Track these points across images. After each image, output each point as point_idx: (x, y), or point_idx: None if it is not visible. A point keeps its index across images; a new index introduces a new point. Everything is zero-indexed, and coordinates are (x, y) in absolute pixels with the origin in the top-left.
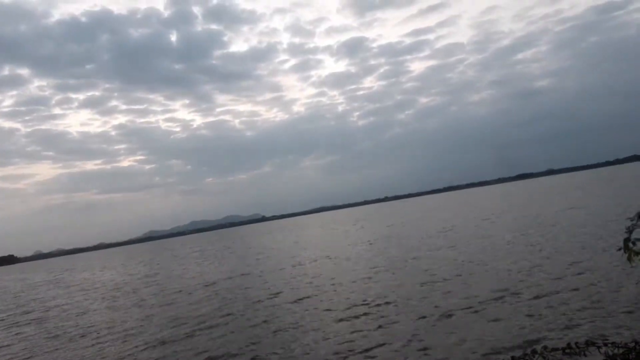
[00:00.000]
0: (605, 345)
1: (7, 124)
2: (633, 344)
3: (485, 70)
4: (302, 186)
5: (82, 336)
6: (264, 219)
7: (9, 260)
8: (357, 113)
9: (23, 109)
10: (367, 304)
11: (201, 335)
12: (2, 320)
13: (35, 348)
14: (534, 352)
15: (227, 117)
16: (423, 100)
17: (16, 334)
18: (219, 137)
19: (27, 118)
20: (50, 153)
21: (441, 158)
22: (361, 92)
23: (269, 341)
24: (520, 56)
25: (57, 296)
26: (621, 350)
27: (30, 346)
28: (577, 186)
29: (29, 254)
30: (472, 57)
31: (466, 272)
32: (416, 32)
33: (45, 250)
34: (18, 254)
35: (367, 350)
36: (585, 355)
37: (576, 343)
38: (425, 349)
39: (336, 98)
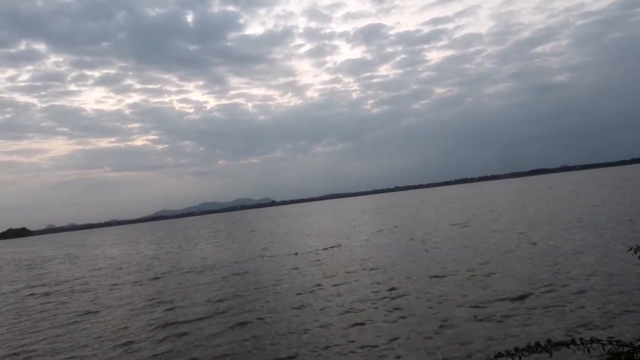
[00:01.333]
0: (610, 343)
1: (23, 99)
2: (638, 343)
3: (503, 63)
4: (313, 172)
5: (89, 312)
6: (273, 203)
7: (22, 233)
8: (372, 101)
9: (39, 84)
10: (377, 294)
11: (210, 318)
12: (13, 293)
13: (41, 322)
14: (538, 345)
15: (240, 101)
16: (439, 90)
17: (26, 307)
18: (232, 120)
19: (42, 93)
20: (65, 129)
21: (454, 150)
22: (376, 80)
23: (275, 328)
24: (539, 49)
25: (67, 271)
26: (626, 349)
27: (37, 320)
28: (594, 183)
29: (41, 227)
30: (490, 48)
31: (478, 266)
32: (434, 21)
33: (58, 225)
34: (31, 227)
35: (374, 344)
36: (589, 351)
37: (581, 339)
38: (431, 343)
39: (351, 85)
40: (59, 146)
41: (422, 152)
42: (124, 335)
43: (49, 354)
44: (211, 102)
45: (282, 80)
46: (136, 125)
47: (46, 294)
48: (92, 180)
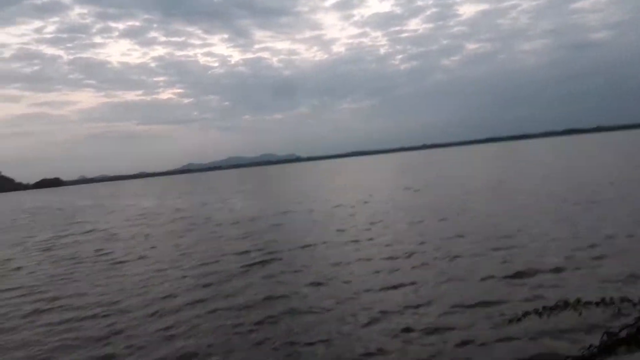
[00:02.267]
0: None
1: (50, 51)
2: None
3: (539, 18)
4: (338, 129)
5: (121, 262)
6: (298, 159)
7: (55, 183)
8: (400, 56)
9: (65, 36)
10: (407, 254)
11: (241, 276)
12: (45, 241)
13: (75, 273)
14: (567, 303)
15: (265, 55)
16: (470, 46)
17: (60, 255)
18: (257, 74)
19: (69, 45)
20: (92, 82)
21: (484, 108)
22: (405, 35)
23: (304, 285)
24: (578, 5)
25: (99, 220)
26: None
27: (70, 268)
28: (631, 145)
29: (74, 178)
30: (526, 3)
31: (511, 227)
32: None
33: (89, 176)
34: (64, 177)
35: (399, 307)
36: (619, 311)
37: (611, 298)
38: (456, 300)
39: (378, 40)
40: (87, 98)
41: (451, 110)
42: (155, 284)
43: (81, 304)
44: (235, 56)
45: (307, 34)
46: (161, 78)
47: (77, 242)
48: (121, 133)
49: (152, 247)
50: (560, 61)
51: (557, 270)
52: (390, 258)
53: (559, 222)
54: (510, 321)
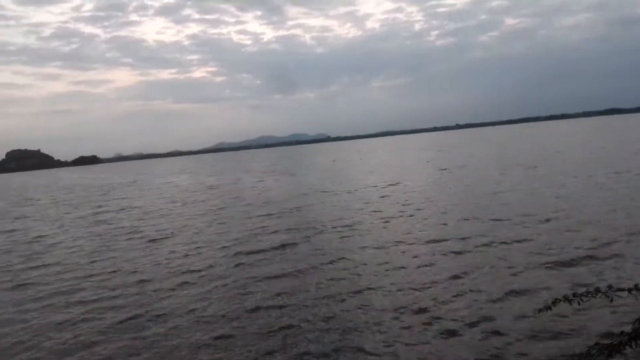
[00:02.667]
0: None
1: (88, 29)
2: None
3: None
4: (370, 108)
5: (153, 240)
6: (329, 139)
7: (93, 160)
8: (436, 32)
9: (102, 14)
10: (440, 233)
11: (271, 255)
12: (82, 218)
13: (111, 246)
14: (597, 290)
15: (298, 32)
16: (510, 21)
17: (97, 232)
18: (289, 52)
19: (105, 24)
20: (129, 60)
21: (522, 87)
22: (442, 10)
23: (331, 267)
24: None
25: (136, 197)
26: None
27: (107, 246)
28: None
29: (110, 155)
30: None
31: (550, 211)
32: None
33: (125, 154)
34: (101, 155)
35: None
36: None
37: None
38: (487, 286)
39: (414, 15)
40: (124, 77)
41: (487, 88)
42: (187, 264)
43: (116, 279)
44: (268, 33)
45: (341, 9)
46: (195, 57)
47: (113, 219)
48: (156, 112)
49: (185, 226)
50: (604, 37)
51: (593, 257)
52: (428, 242)
53: (603, 206)
54: (540, 310)
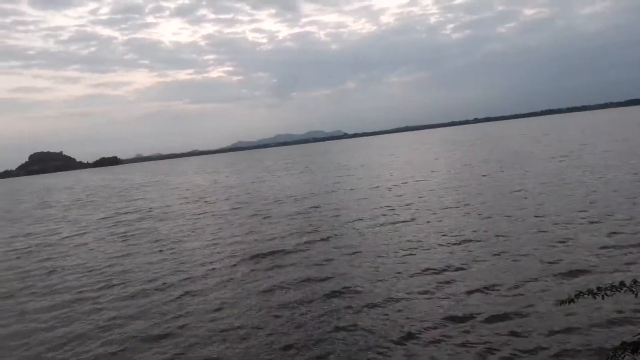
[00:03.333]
0: None
1: (106, 32)
2: None
3: None
4: (386, 104)
5: (176, 242)
6: (345, 135)
7: (113, 161)
8: (451, 25)
9: (119, 16)
10: (460, 239)
11: (292, 254)
12: (104, 219)
13: (129, 248)
14: (622, 284)
15: (312, 29)
16: (527, 12)
17: (117, 233)
18: (304, 50)
19: (123, 26)
20: (146, 62)
21: (540, 79)
22: (457, 2)
23: (351, 265)
24: None
25: (157, 198)
26: None
27: (128, 246)
28: None
29: (131, 156)
30: None
31: (586, 206)
32: None
33: (145, 154)
34: (121, 156)
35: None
36: None
37: None
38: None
39: (429, 8)
40: (142, 78)
41: (505, 81)
42: (209, 263)
43: (137, 283)
44: (283, 31)
45: (355, 4)
46: (211, 56)
47: (135, 220)
48: (173, 112)
49: (207, 225)
50: (623, 26)
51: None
52: (456, 238)
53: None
54: (563, 302)
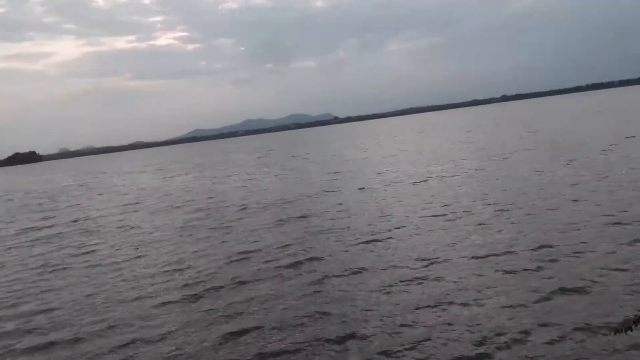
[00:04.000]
0: None
1: None
2: None
3: None
4: (387, 79)
5: (113, 268)
6: (336, 120)
7: (31, 158)
8: None
9: None
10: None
11: (265, 282)
12: (16, 235)
13: (45, 281)
14: None
15: None
16: None
17: (31, 256)
18: (281, 7)
19: None
20: (72, 26)
21: (585, 45)
22: None
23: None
24: None
25: (85, 206)
26: None
27: (42, 273)
28: None
29: (53, 151)
30: None
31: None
32: None
33: (73, 148)
34: (41, 151)
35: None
36: None
37: None
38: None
39: None
40: (67, 48)
41: (539, 49)
42: (148, 296)
43: (57, 329)
44: None
45: None
46: (158, 18)
47: (54, 237)
48: (110, 92)
49: (153, 242)
50: None
51: None
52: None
53: None
54: (617, 331)
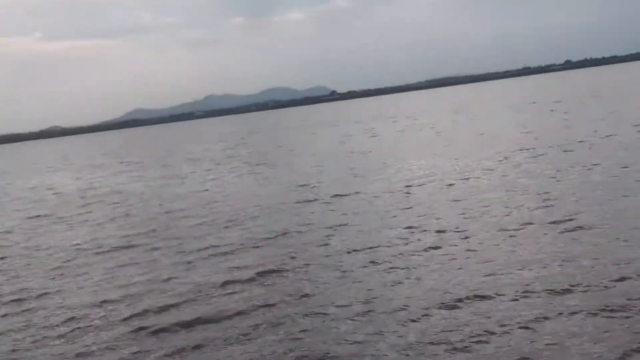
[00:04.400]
0: None
1: None
2: None
3: None
4: (407, 38)
5: (15, 300)
6: (333, 96)
7: None
8: None
9: None
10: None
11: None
12: None
13: None
14: None
15: None
16: None
17: None
18: None
19: None
20: None
21: None
22: None
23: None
24: None
25: None
26: None
27: None
28: None
29: None
30: None
31: None
32: None
33: None
34: None
35: None
36: None
37: None
38: None
39: None
40: None
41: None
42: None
43: None
44: None
45: None
46: None
47: None
48: (16, 57)
49: (77, 267)
50: None
51: None
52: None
53: None
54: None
